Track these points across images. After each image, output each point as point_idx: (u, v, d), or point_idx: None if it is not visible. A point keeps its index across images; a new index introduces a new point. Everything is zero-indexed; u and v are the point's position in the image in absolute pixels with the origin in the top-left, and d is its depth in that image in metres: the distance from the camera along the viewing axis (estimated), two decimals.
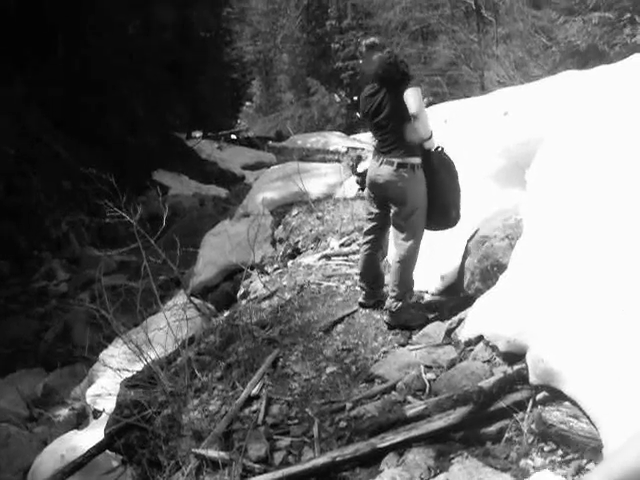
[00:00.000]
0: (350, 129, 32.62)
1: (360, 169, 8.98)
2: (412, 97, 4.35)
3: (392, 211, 4.75)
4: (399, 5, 29.50)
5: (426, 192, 4.63)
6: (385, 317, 4.88)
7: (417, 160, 4.56)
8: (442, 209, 4.63)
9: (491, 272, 4.35)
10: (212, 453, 3.64)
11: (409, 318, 4.77)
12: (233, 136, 32.62)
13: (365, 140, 24.56)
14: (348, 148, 21.99)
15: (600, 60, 14.74)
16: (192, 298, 8.05)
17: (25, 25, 17.00)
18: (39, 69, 17.15)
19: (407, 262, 4.69)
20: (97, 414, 7.13)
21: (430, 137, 4.53)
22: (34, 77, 17.01)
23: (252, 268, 8.04)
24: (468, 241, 4.75)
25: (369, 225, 5.04)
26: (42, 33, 17.36)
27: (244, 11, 41.01)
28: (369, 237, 5.04)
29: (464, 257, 4.76)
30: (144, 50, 21.64)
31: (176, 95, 24.28)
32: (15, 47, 16.77)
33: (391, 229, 4.92)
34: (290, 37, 43.91)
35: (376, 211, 4.93)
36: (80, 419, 7.82)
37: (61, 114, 18.08)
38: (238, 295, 7.68)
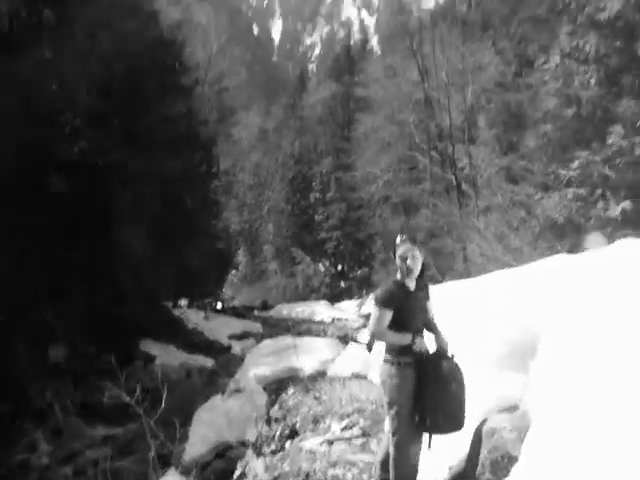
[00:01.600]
0: (334, 298, 33.12)
1: (360, 339, 9.07)
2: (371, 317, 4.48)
3: None
4: (381, 179, 30.84)
5: (407, 392, 4.40)
6: None
7: (397, 359, 4.44)
8: (449, 414, 4.34)
9: (502, 463, 4.35)
10: None
11: None
12: (219, 305, 32.87)
13: (348, 308, 24.95)
14: (333, 319, 22.35)
15: (577, 233, 15.41)
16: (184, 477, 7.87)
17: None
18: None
19: (396, 457, 4.47)
20: None
21: (410, 344, 4.40)
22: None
23: (245, 446, 7.94)
24: (475, 430, 4.77)
25: None
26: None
27: (231, 184, 42.47)
28: None
29: (472, 446, 4.76)
30: (131, 222, 22.03)
31: (163, 264, 24.52)
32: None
33: None
34: (275, 208, 45.43)
35: None
36: None
37: (51, 285, 18.18)
38: (234, 477, 7.50)
